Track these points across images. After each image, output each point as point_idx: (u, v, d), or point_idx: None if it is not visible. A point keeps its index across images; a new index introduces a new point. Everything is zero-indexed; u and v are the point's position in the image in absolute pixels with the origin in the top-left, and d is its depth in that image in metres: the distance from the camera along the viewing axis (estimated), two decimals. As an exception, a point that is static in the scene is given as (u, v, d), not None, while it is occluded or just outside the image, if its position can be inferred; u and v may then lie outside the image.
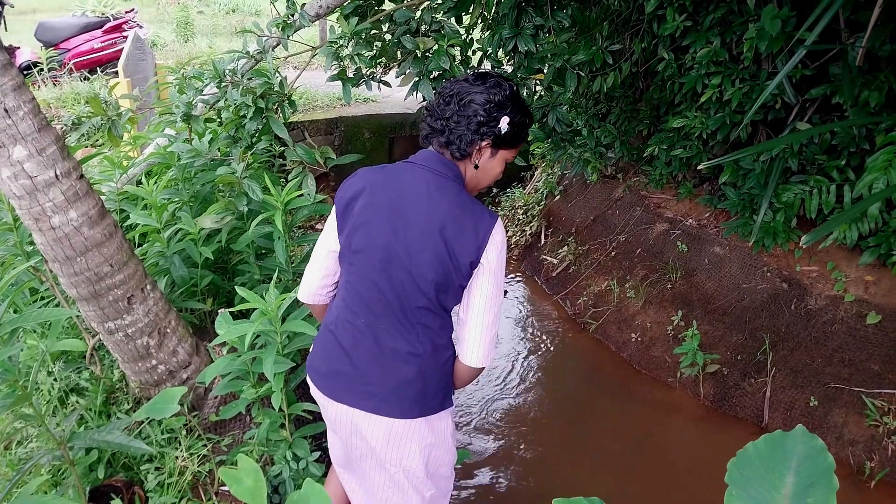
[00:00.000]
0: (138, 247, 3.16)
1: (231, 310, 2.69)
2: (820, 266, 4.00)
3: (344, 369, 1.80)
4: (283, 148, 2.87)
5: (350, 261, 1.77)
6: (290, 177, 2.68)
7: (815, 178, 3.78)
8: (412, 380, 1.76)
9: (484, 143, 1.71)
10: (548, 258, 5.72)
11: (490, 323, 1.75)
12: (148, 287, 2.34)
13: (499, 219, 1.73)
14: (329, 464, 2.74)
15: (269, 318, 2.27)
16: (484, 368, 1.81)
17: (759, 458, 1.97)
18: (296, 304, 2.49)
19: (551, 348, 4.83)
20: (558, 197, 5.99)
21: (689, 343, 4.04)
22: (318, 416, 2.69)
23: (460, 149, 1.71)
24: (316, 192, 2.92)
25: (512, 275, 5.93)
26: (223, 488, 2.30)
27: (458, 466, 3.53)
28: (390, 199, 1.72)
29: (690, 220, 4.70)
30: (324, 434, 2.73)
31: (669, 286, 4.54)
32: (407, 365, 1.76)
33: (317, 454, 2.46)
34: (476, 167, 1.76)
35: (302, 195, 2.71)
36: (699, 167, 3.70)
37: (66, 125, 3.10)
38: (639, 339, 4.54)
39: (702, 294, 4.36)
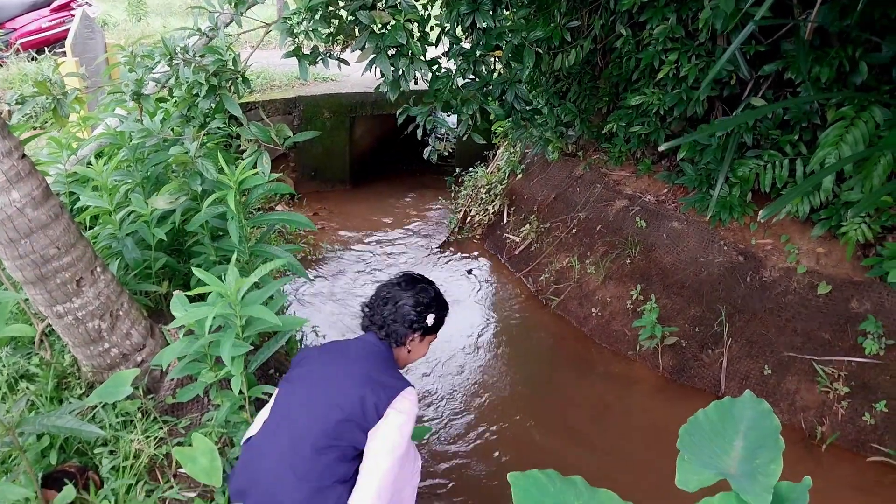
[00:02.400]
0: (89, 229, 3.08)
1: (188, 293, 2.65)
2: (774, 239, 4.09)
3: None
4: (238, 128, 2.81)
5: None
6: (244, 155, 2.63)
7: (770, 153, 3.85)
8: None
9: (416, 335, 2.15)
10: (510, 236, 5.75)
11: (383, 468, 1.89)
12: (98, 269, 2.28)
13: (411, 388, 2.01)
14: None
15: (229, 301, 2.24)
16: None
17: (710, 424, 2.01)
18: (255, 287, 2.45)
19: (514, 325, 4.87)
20: (520, 176, 6.00)
21: (648, 316, 4.11)
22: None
23: (397, 341, 2.14)
24: (273, 172, 2.87)
25: (476, 253, 5.95)
26: (181, 470, 2.27)
27: (423, 441, 3.56)
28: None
29: (649, 197, 4.75)
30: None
31: (629, 261, 4.60)
32: None
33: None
34: (409, 351, 2.19)
35: (257, 174, 2.66)
36: (661, 148, 3.75)
37: (9, 104, 2.99)
38: (599, 313, 4.60)
39: (660, 268, 4.42)
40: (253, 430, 2.12)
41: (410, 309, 2.11)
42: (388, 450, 1.89)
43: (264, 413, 2.13)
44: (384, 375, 2.01)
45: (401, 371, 2.18)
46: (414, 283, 2.19)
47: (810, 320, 3.77)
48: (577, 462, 3.45)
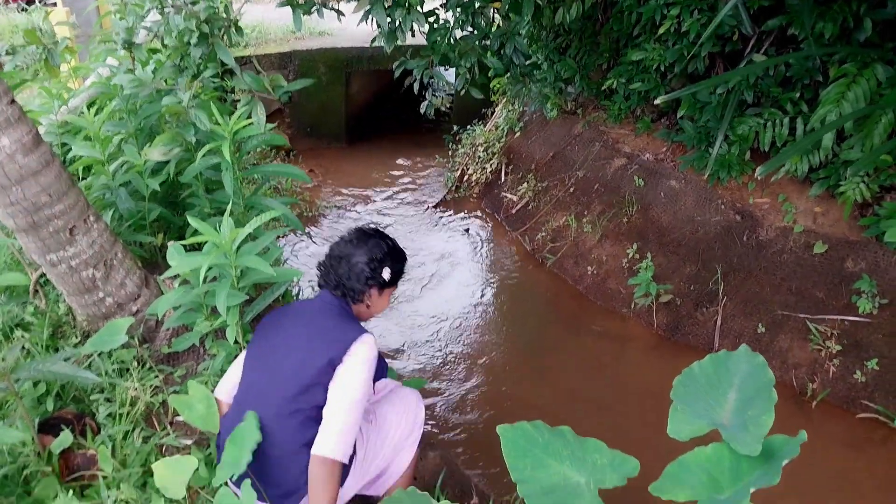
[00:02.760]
0: (82, 180, 3.05)
1: (183, 243, 2.63)
2: (771, 198, 4.08)
3: None
4: (232, 78, 2.76)
5: None
6: (238, 105, 2.59)
7: (770, 111, 3.82)
8: None
9: (373, 291, 2.11)
10: (508, 195, 5.72)
11: (348, 409, 1.87)
12: (91, 218, 2.26)
13: (367, 335, 1.97)
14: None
15: (224, 251, 2.23)
16: (334, 470, 1.82)
17: (704, 376, 2.02)
18: (249, 238, 2.44)
19: (509, 283, 4.88)
20: (519, 134, 5.95)
21: (644, 274, 4.11)
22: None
23: (354, 298, 2.11)
24: (270, 126, 2.83)
25: (473, 212, 5.93)
26: (178, 418, 2.29)
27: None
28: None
29: (648, 155, 4.72)
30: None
31: (625, 220, 4.59)
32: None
33: (273, 385, 2.46)
34: (368, 306, 2.15)
35: (251, 125, 2.62)
36: (657, 101, 3.70)
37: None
38: (595, 272, 4.61)
39: (657, 227, 4.41)
40: (221, 387, 2.13)
41: (364, 266, 2.06)
42: (345, 393, 1.88)
43: (232, 373, 2.13)
44: (338, 330, 1.97)
45: (362, 324, 2.14)
46: (366, 238, 2.12)
47: (805, 279, 3.78)
48: (569, 416, 3.49)
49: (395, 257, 2.15)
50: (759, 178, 3.68)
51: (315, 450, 1.83)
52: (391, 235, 2.22)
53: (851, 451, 3.28)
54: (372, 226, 2.21)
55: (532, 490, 1.76)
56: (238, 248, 2.28)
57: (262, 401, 1.94)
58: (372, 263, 2.07)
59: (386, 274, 2.10)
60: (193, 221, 2.23)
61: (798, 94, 3.73)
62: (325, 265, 2.15)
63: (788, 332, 3.75)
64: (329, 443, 1.83)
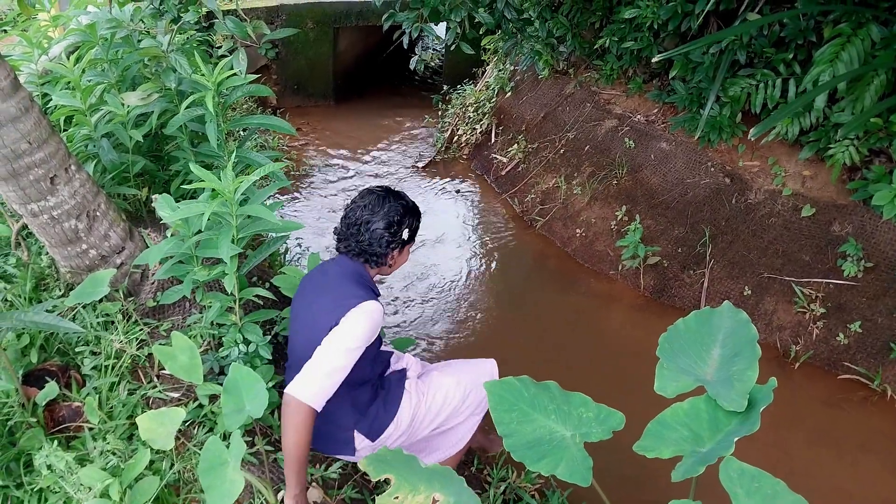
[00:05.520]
0: (63, 131, 2.98)
1: (174, 193, 2.59)
2: (761, 161, 4.07)
3: None
4: (214, 23, 2.68)
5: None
6: (220, 52, 2.52)
7: (763, 72, 3.78)
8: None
9: (395, 252, 2.17)
10: (497, 156, 5.68)
11: (329, 358, 1.91)
12: (72, 167, 2.21)
13: (371, 301, 2.01)
14: (278, 348, 2.74)
15: (225, 200, 2.18)
16: (302, 411, 1.83)
17: (689, 332, 2.02)
18: (253, 188, 2.39)
19: (498, 245, 4.87)
20: (509, 94, 5.88)
21: (632, 236, 4.11)
22: (268, 303, 2.66)
23: (378, 262, 2.16)
24: (260, 85, 2.76)
25: (462, 173, 5.88)
26: (164, 371, 2.27)
27: (409, 351, 3.60)
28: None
29: (639, 116, 4.68)
30: (273, 321, 2.72)
31: (615, 182, 4.57)
32: None
33: (267, 338, 2.44)
34: (390, 266, 2.22)
35: (235, 75, 2.56)
36: (652, 60, 3.64)
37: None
38: (583, 234, 4.61)
39: (646, 189, 4.40)
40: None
41: (383, 231, 2.09)
42: (327, 344, 1.92)
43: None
44: (345, 296, 2.01)
45: (383, 278, 2.20)
46: (381, 201, 2.12)
47: (792, 242, 3.80)
48: (556, 373, 3.49)
49: (412, 215, 2.19)
50: (751, 139, 3.67)
51: (286, 388, 1.86)
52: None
53: (832, 410, 3.35)
54: (383, 185, 2.22)
55: (518, 443, 1.77)
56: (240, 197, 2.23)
57: (296, 362, 2.06)
58: (391, 228, 2.10)
59: (405, 234, 2.15)
60: (194, 168, 2.18)
61: (791, 55, 3.69)
62: (343, 232, 2.17)
63: (774, 294, 3.78)
64: (296, 383, 1.85)
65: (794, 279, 3.74)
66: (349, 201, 2.22)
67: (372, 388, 2.23)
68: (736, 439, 1.59)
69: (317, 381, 1.85)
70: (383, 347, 2.53)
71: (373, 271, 2.20)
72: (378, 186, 2.20)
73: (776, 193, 3.92)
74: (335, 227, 2.24)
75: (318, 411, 1.85)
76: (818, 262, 3.70)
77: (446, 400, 2.33)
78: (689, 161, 4.28)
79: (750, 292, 3.85)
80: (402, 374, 2.35)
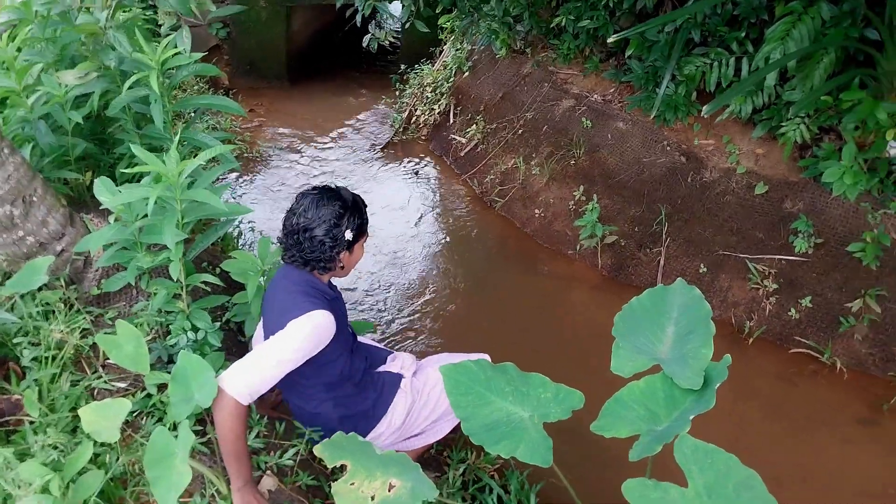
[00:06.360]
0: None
1: (113, 177, 2.48)
2: (716, 140, 4.11)
3: None
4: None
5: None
6: (162, 30, 2.42)
7: (716, 51, 3.81)
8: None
9: (342, 255, 2.05)
10: (456, 137, 5.63)
11: (264, 358, 1.87)
12: (5, 150, 2.10)
13: (313, 311, 1.93)
14: (229, 335, 2.67)
15: (170, 184, 2.10)
16: (227, 404, 1.78)
17: (643, 311, 2.01)
18: (199, 171, 2.31)
19: (458, 227, 4.84)
20: (467, 73, 5.82)
21: (590, 216, 4.12)
22: (215, 289, 2.58)
23: (325, 268, 2.05)
24: (207, 63, 2.67)
25: (420, 155, 5.82)
26: (110, 361, 2.19)
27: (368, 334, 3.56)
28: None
29: (596, 96, 4.68)
30: (220, 307, 2.64)
31: (573, 162, 4.57)
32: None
33: (217, 325, 2.38)
34: (342, 267, 2.11)
35: (179, 53, 2.46)
36: (608, 39, 3.63)
37: None
38: (542, 214, 4.60)
39: (604, 169, 4.41)
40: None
41: (324, 237, 1.97)
42: (269, 346, 1.89)
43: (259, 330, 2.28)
44: (287, 310, 1.95)
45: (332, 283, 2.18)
46: (317, 204, 1.99)
47: (746, 220, 3.85)
48: (516, 354, 3.49)
49: (353, 213, 2.04)
50: (705, 116, 3.69)
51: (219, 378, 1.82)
52: (338, 184, 2.13)
53: (785, 384, 3.42)
54: (318, 186, 2.09)
55: (475, 426, 1.75)
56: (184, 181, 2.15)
57: None
58: (331, 232, 1.98)
59: (348, 235, 2.02)
60: (137, 150, 2.09)
61: (744, 34, 3.72)
62: (284, 242, 2.06)
63: (729, 271, 3.83)
64: (226, 373, 1.81)
65: (748, 256, 3.79)
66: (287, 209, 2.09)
67: (356, 386, 2.19)
68: (692, 417, 1.60)
69: (245, 376, 1.81)
70: (372, 343, 2.50)
71: (324, 277, 2.11)
72: (313, 188, 2.07)
73: (731, 171, 3.97)
74: (277, 237, 2.13)
75: (245, 406, 1.80)
76: (771, 239, 3.76)
77: (442, 396, 2.30)
78: (645, 140, 4.30)
79: (705, 270, 3.90)
80: (398, 373, 2.32)
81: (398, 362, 2.39)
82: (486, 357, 2.41)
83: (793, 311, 3.61)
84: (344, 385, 2.16)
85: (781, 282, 3.68)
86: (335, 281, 2.28)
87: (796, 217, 3.66)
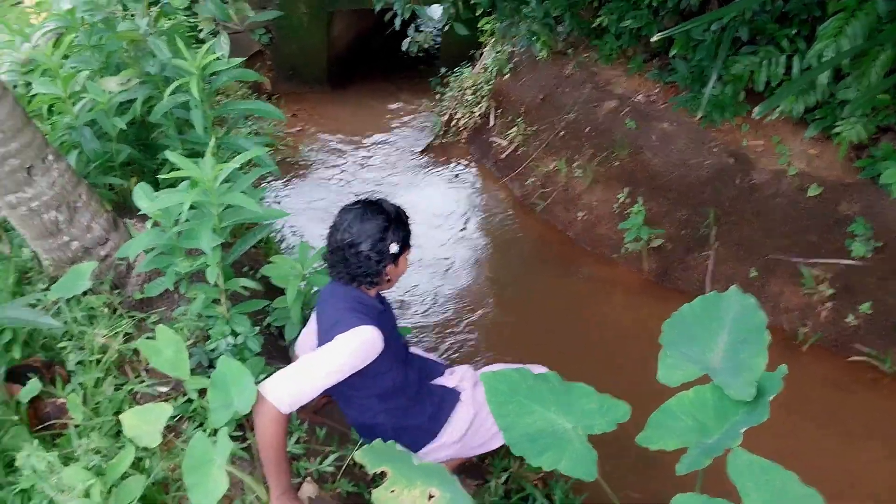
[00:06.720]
0: (47, 120, 2.90)
1: (152, 184, 2.50)
2: (766, 140, 3.97)
3: None
4: (194, 6, 2.58)
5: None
6: (202, 36, 2.43)
7: (766, 49, 3.68)
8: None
9: (388, 268, 2.03)
10: (497, 140, 5.58)
11: (309, 369, 1.85)
12: (50, 157, 2.13)
13: (360, 327, 1.91)
14: (270, 339, 2.67)
15: (205, 189, 2.10)
16: (267, 411, 1.76)
17: (694, 319, 1.93)
18: (237, 175, 2.32)
19: (498, 231, 4.79)
20: (508, 76, 5.76)
21: (634, 219, 4.03)
22: (255, 293, 2.58)
23: (372, 283, 2.03)
24: (249, 69, 2.68)
25: (461, 158, 5.79)
26: (153, 365, 2.20)
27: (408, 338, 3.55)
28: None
29: (640, 97, 4.58)
30: (261, 311, 2.65)
31: (617, 164, 4.47)
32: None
33: (256, 329, 2.37)
34: (388, 280, 2.09)
35: (218, 58, 2.47)
36: (652, 39, 3.54)
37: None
38: (585, 217, 4.52)
39: (648, 171, 4.31)
40: (299, 346, 2.36)
41: (370, 252, 1.96)
42: (317, 357, 1.88)
43: (305, 333, 2.33)
44: (334, 325, 1.94)
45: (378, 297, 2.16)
46: (360, 219, 1.98)
47: (798, 223, 3.71)
48: (560, 362, 3.40)
49: (398, 226, 2.02)
50: (756, 117, 3.57)
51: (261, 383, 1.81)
52: (381, 196, 2.11)
53: (841, 393, 3.27)
54: (360, 199, 2.07)
55: (517, 436, 1.69)
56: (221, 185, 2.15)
57: None
58: (377, 246, 1.96)
59: (393, 248, 2.00)
60: (171, 156, 2.11)
61: (795, 31, 3.59)
62: (330, 259, 2.05)
63: (780, 276, 3.70)
64: (269, 380, 1.80)
65: (801, 260, 3.65)
66: (330, 224, 2.07)
67: (410, 399, 2.17)
68: (743, 430, 1.52)
69: (287, 384, 1.79)
70: (428, 356, 2.47)
71: (371, 291, 2.09)
72: (355, 202, 2.05)
73: (781, 173, 3.83)
74: (322, 254, 2.12)
75: (286, 415, 1.78)
76: (825, 243, 3.61)
77: None
78: (691, 141, 4.18)
79: (756, 274, 3.77)
80: (454, 389, 2.29)
81: (456, 376, 2.35)
82: (545, 370, 2.36)
83: (850, 317, 3.46)
84: (398, 397, 2.13)
85: (837, 287, 3.53)
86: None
87: (853, 220, 3.51)
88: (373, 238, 1.96)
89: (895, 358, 3.31)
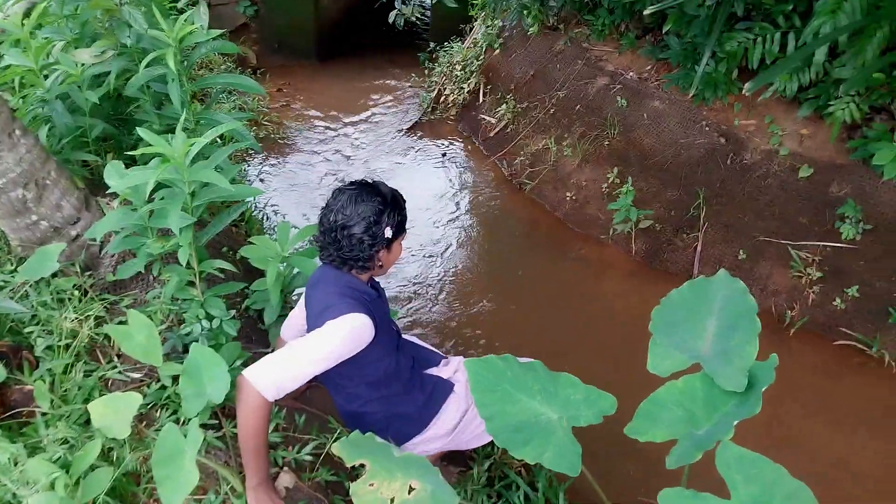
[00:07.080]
0: (18, 93, 2.78)
1: (123, 161, 2.41)
2: (758, 120, 3.90)
3: None
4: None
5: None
6: (181, 6, 2.32)
7: (761, 25, 3.60)
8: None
9: (380, 253, 1.94)
10: (486, 117, 5.48)
11: (297, 357, 1.78)
12: (17, 132, 2.03)
13: (351, 314, 1.83)
14: (248, 323, 2.60)
15: (175, 165, 2.01)
16: (252, 399, 1.69)
17: (683, 304, 1.86)
18: (214, 151, 2.22)
19: (486, 210, 4.72)
20: (498, 51, 5.65)
21: (624, 199, 3.97)
22: (234, 276, 2.51)
23: (364, 267, 1.95)
24: (234, 43, 2.58)
25: (449, 136, 5.69)
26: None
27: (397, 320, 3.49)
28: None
29: (632, 74, 4.49)
30: (240, 294, 2.57)
31: (607, 143, 4.40)
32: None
33: (232, 313, 2.30)
34: (381, 265, 2.00)
35: (197, 30, 2.36)
36: (645, 13, 3.45)
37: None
38: (574, 197, 4.45)
39: (639, 150, 4.24)
40: (284, 330, 2.25)
41: (363, 235, 1.87)
42: (305, 343, 1.81)
43: (293, 317, 2.22)
44: (324, 311, 1.87)
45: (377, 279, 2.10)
46: (355, 201, 1.89)
47: (789, 204, 3.66)
48: (547, 347, 3.40)
49: (393, 210, 1.94)
50: (747, 94, 3.50)
51: (245, 369, 1.74)
52: (376, 178, 2.01)
53: (829, 378, 3.26)
54: (356, 180, 1.97)
55: (500, 426, 1.64)
56: (192, 161, 2.06)
57: None
58: (371, 229, 1.88)
59: (388, 232, 1.91)
60: (142, 132, 2.01)
61: (791, 7, 3.50)
62: (321, 241, 1.96)
63: (769, 258, 3.66)
64: (254, 367, 1.72)
65: (790, 242, 3.61)
66: (323, 205, 1.98)
67: (403, 385, 2.11)
68: (735, 423, 1.47)
69: (272, 369, 1.71)
70: (422, 344, 2.41)
71: (363, 276, 2.01)
72: (350, 183, 1.96)
73: (773, 153, 3.77)
74: (313, 236, 2.03)
75: (270, 402, 1.71)
76: (815, 225, 3.57)
77: None
78: (683, 120, 4.11)
79: (745, 256, 3.72)
80: (448, 380, 2.23)
81: (451, 367, 2.29)
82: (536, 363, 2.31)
83: (838, 300, 3.43)
84: (390, 383, 2.08)
85: (826, 270, 3.50)
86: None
87: (843, 202, 3.47)
88: (367, 221, 1.88)
89: (882, 342, 3.29)
